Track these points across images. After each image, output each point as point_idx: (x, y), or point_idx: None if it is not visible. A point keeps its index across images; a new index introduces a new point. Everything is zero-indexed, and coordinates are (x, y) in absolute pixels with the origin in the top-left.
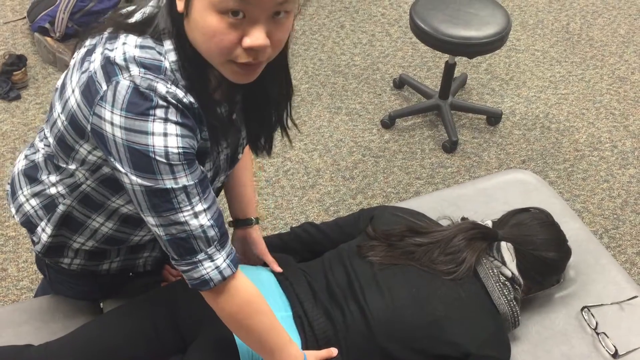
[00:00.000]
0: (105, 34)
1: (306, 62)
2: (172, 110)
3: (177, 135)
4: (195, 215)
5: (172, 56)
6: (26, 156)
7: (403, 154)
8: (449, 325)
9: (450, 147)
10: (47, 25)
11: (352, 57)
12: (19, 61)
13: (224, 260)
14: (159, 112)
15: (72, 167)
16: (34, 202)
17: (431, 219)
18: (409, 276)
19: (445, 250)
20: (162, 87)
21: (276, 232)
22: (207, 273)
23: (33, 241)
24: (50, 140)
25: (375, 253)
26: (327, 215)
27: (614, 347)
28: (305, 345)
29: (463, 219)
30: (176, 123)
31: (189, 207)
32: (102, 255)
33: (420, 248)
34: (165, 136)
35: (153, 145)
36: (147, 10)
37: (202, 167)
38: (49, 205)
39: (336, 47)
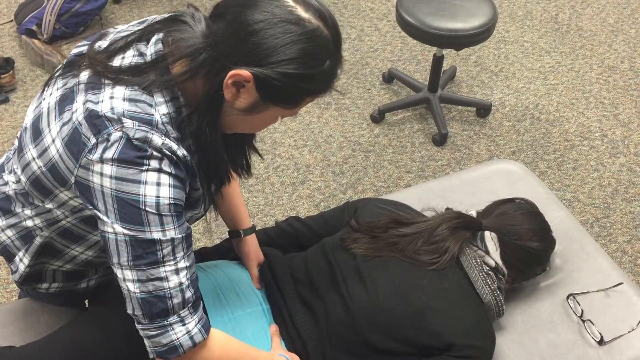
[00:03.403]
0: (83, 78)
1: None
2: (165, 161)
3: (169, 185)
4: (177, 271)
5: (164, 109)
6: None
7: (393, 148)
8: (431, 315)
9: (440, 140)
10: (34, 28)
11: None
12: (6, 64)
13: (196, 325)
14: (153, 163)
15: (50, 206)
16: (9, 232)
17: (415, 210)
18: (392, 267)
19: (429, 240)
20: (157, 139)
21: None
22: (178, 338)
23: (11, 269)
24: (22, 178)
25: (358, 245)
26: (317, 211)
27: (600, 334)
28: (287, 334)
29: (447, 209)
30: (169, 174)
31: (172, 262)
32: (80, 275)
33: (404, 239)
34: (158, 186)
35: (144, 195)
36: (129, 57)
37: (188, 223)
38: (26, 236)
39: None
